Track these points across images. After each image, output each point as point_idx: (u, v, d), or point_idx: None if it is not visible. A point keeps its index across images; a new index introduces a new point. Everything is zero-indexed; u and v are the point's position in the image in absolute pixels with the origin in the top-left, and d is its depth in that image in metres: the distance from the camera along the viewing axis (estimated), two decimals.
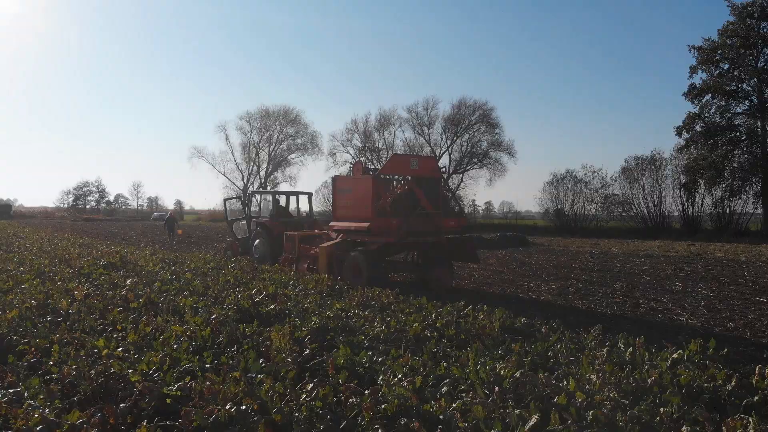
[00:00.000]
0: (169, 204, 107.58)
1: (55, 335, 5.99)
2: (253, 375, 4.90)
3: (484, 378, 4.79)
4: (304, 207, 19.42)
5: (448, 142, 62.64)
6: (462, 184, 63.71)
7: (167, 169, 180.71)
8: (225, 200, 19.76)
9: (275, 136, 74.06)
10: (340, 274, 11.90)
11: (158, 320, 6.90)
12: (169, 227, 31.80)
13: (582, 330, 7.18)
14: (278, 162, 73.87)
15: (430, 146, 62.96)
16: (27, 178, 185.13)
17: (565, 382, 4.90)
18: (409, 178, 12.56)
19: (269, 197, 19.09)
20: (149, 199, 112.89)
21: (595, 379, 5.01)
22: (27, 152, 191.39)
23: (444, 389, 4.58)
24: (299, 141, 74.11)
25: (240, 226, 19.13)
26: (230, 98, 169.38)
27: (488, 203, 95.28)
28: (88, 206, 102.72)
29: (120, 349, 5.55)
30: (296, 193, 19.42)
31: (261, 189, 65.77)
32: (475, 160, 62.19)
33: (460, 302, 8.39)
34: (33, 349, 5.73)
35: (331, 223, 13.51)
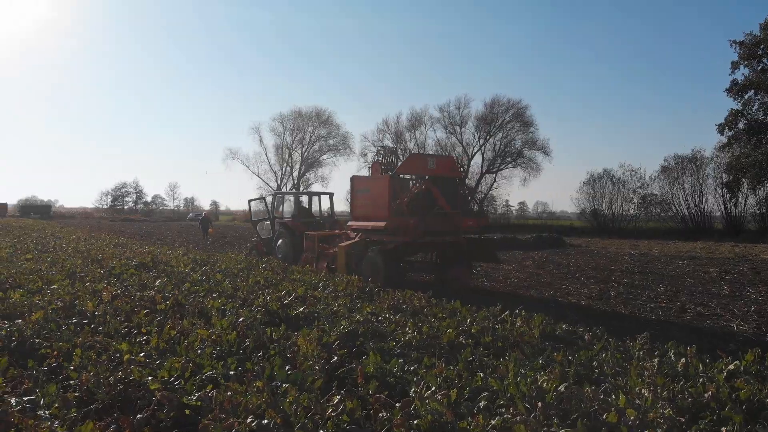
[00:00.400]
0: (205, 205, 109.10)
1: (78, 338, 5.84)
2: (278, 384, 4.64)
3: (525, 391, 4.43)
4: (326, 207, 19.59)
5: (481, 141, 61.87)
6: (495, 184, 62.84)
7: (203, 170, 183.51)
8: (249, 201, 20.05)
9: (308, 137, 74.46)
10: (359, 273, 11.85)
11: (184, 323, 6.71)
12: (203, 227, 32.08)
13: (628, 338, 6.73)
14: (311, 163, 74.18)
15: (462, 145, 62.33)
16: (68, 180, 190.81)
17: (613, 397, 4.51)
18: (427, 177, 12.48)
19: (291, 198, 19.34)
20: (186, 199, 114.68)
21: (646, 394, 4.61)
22: (67, 155, 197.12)
23: (482, 404, 4.23)
24: (331, 142, 74.36)
25: (264, 226, 19.32)
26: (264, 100, 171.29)
27: (522, 203, 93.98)
28: (125, 207, 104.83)
29: (142, 354, 5.35)
30: (318, 194, 19.56)
31: (295, 189, 66.05)
32: (509, 159, 61.25)
33: (496, 307, 8.01)
34: (56, 352, 5.58)
35: (349, 223, 13.58)
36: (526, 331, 6.73)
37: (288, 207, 19.26)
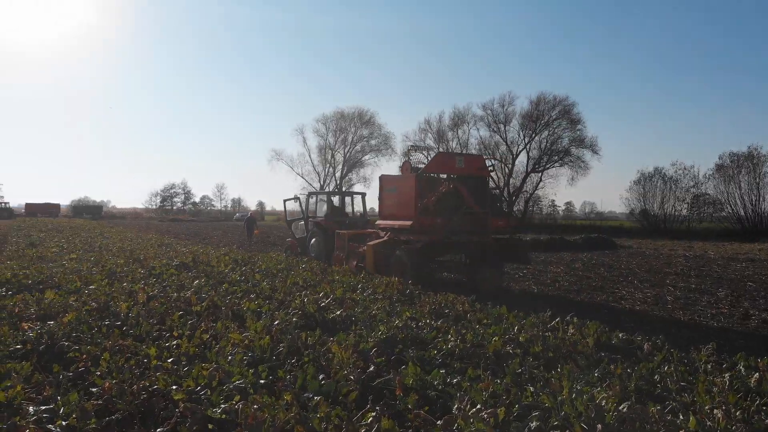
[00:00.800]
0: (252, 205, 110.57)
1: (107, 342, 5.65)
2: (310, 395, 4.31)
3: (582, 410, 3.97)
4: (359, 207, 19.71)
5: (526, 140, 60.53)
6: (541, 183, 61.36)
7: (249, 172, 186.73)
8: (284, 201, 20.20)
9: (350, 138, 74.41)
10: (387, 272, 11.87)
11: (218, 326, 6.48)
12: (248, 227, 32.27)
13: (692, 349, 6.15)
14: (353, 163, 74.19)
15: (507, 144, 61.18)
16: (120, 182, 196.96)
17: (681, 418, 4.02)
18: (455, 176, 12.29)
19: (324, 197, 19.32)
20: (233, 200, 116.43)
21: (718, 415, 4.09)
22: (120, 157, 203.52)
23: (533, 424, 3.80)
24: (373, 142, 74.10)
25: (298, 226, 19.51)
26: (309, 102, 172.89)
27: (569, 203, 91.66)
28: (174, 207, 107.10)
29: (170, 360, 5.11)
30: (351, 194, 19.69)
31: (338, 190, 66.16)
32: (556, 157, 59.68)
33: (545, 313, 7.50)
34: (84, 356, 5.40)
35: (377, 222, 13.65)
36: (579, 341, 6.23)
37: (321, 207, 19.34)
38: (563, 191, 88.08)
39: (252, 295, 8.68)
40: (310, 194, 19.45)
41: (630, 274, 16.53)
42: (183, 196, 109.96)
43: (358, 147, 74.57)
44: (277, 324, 6.60)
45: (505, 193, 60.47)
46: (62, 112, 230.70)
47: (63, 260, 13.38)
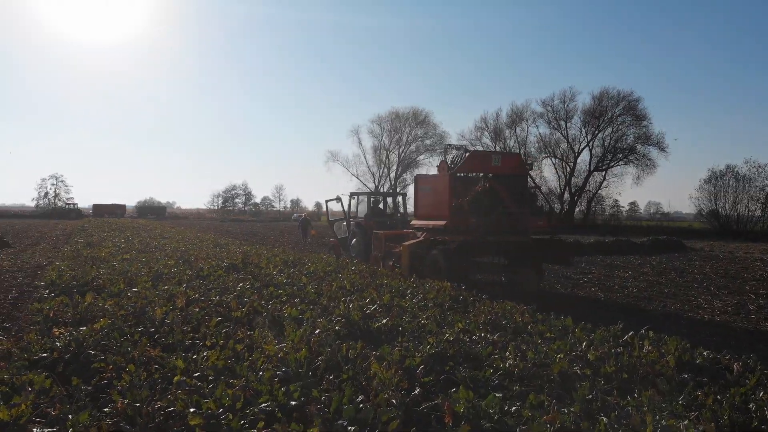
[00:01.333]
0: (309, 206, 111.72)
1: (135, 352, 5.26)
2: (344, 423, 3.75)
3: None
4: (399, 207, 19.89)
5: (589, 137, 58.35)
6: (605, 183, 58.94)
7: (307, 173, 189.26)
8: (326, 201, 20.42)
9: (404, 138, 73.83)
10: (422, 272, 11.77)
11: (255, 334, 6.02)
12: (303, 228, 32.24)
13: None
14: (407, 163, 73.58)
15: (568, 141, 59.13)
16: (185, 183, 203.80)
17: None
18: (490, 175, 12.11)
19: (365, 198, 19.30)
20: (291, 201, 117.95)
21: None
22: (185, 159, 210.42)
23: None
24: (428, 142, 73.20)
25: (341, 227, 19.64)
26: (365, 102, 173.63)
27: (633, 204, 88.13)
28: (235, 208, 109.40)
29: (196, 375, 4.66)
30: (392, 194, 19.96)
31: (390, 190, 65.73)
32: (620, 155, 57.23)
33: (616, 325, 6.68)
34: (110, 367, 5.03)
35: (412, 222, 13.65)
36: (657, 360, 5.42)
37: (362, 207, 19.33)
38: (628, 191, 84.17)
39: (296, 300, 8.21)
40: (351, 195, 19.48)
41: (705, 279, 15.28)
42: (243, 197, 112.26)
43: (412, 147, 73.90)
44: (318, 333, 6.08)
45: (566, 193, 58.66)
46: (125, 117, 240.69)
47: (114, 261, 13.34)
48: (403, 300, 8.20)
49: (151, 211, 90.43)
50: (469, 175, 12.47)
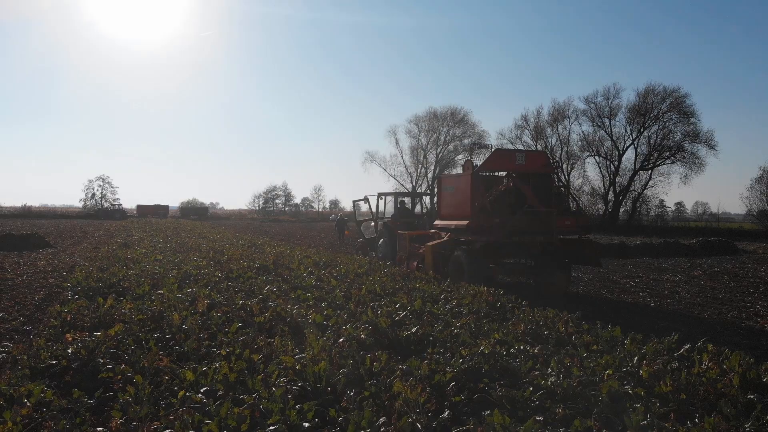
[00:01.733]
0: (347, 206, 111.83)
1: (144, 361, 4.92)
2: None
3: None
4: (429, 207, 20.20)
5: (634, 135, 56.30)
6: (651, 182, 56.85)
7: (345, 174, 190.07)
8: (353, 202, 20.29)
9: (442, 138, 72.67)
10: (445, 273, 11.62)
11: (276, 342, 5.63)
12: (339, 229, 32.02)
13: None
14: (445, 163, 72.56)
15: (612, 140, 57.21)
16: (228, 184, 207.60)
17: None
18: (514, 174, 11.92)
19: (392, 198, 19.14)
20: (330, 201, 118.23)
21: None
22: (229, 160, 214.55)
23: None
24: (466, 141, 71.81)
25: (368, 227, 19.50)
26: (403, 102, 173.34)
27: (679, 204, 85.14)
28: (275, 209, 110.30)
29: (204, 390, 4.27)
30: (420, 194, 19.79)
31: (419, 191, 65.02)
32: (667, 153, 55.05)
33: (670, 337, 6.03)
34: (118, 377, 4.70)
35: (435, 222, 13.42)
36: (719, 377, 4.80)
37: (390, 207, 19.23)
38: (675, 190, 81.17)
39: (323, 304, 7.81)
40: (379, 195, 19.21)
41: (761, 284, 14.26)
42: (283, 198, 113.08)
43: (450, 147, 72.61)
44: (342, 342, 5.65)
45: (611, 193, 56.89)
46: (171, 121, 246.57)
47: (146, 262, 13.22)
48: (435, 306, 7.70)
49: (193, 211, 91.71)
50: (493, 174, 12.29)
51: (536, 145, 59.65)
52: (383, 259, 15.83)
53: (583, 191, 58.56)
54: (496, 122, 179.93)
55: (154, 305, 7.25)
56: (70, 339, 5.89)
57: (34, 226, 39.34)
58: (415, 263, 13.59)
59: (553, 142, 59.78)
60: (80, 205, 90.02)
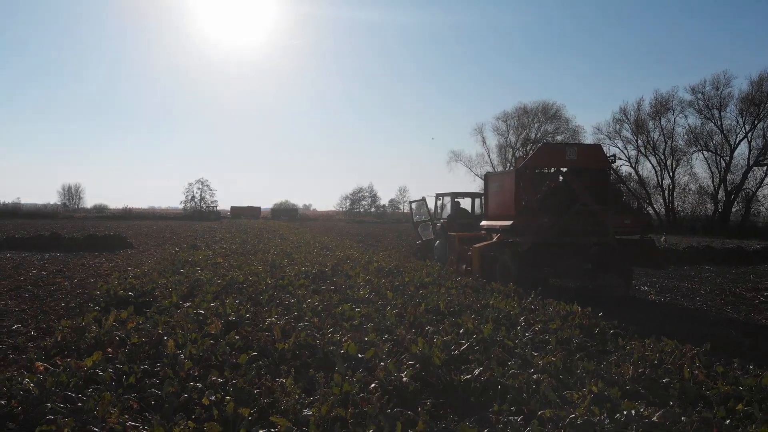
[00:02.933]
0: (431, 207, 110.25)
1: (98, 410, 3.60)
2: None
3: None
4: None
5: (747, 127, 50.68)
6: (767, 179, 51.04)
7: (431, 174, 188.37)
8: (410, 203, 19.90)
9: (533, 135, 68.82)
10: (493, 276, 11.17)
11: (287, 382, 4.17)
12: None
13: None
14: None
15: (723, 133, 51.79)
16: (322, 186, 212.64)
17: None
18: (565, 170, 11.29)
19: (449, 199, 17.99)
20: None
21: None
22: (321, 164, 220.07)
23: None
24: (559, 138, 67.88)
25: (426, 228, 18.64)
26: (490, 99, 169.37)
27: None
28: (362, 210, 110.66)
29: None
30: (478, 195, 18.45)
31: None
32: None
33: None
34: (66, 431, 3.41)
35: (482, 222, 12.86)
36: None
37: (446, 208, 18.07)
38: None
39: (369, 325, 6.27)
40: (437, 196, 18.32)
41: None
42: (369, 199, 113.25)
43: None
44: (373, 387, 4.12)
45: (721, 191, 51.67)
46: (265, 126, 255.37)
47: (200, 266, 12.26)
48: (512, 333, 5.93)
49: (283, 213, 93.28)
50: (543, 170, 11.60)
51: (637, 140, 55.17)
52: (438, 261, 14.98)
53: (689, 190, 53.70)
54: (593, 117, 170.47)
55: (163, 322, 6.01)
56: (41, 368, 4.74)
57: (129, 227, 40.74)
58: (465, 266, 12.89)
59: (656, 137, 55.10)
60: (181, 206, 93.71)
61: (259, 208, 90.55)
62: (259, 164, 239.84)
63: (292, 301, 7.70)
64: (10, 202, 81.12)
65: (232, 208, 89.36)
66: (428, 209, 18.38)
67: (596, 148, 12.35)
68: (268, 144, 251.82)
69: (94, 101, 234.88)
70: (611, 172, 11.77)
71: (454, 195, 18.03)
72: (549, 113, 67.66)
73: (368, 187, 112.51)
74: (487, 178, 12.99)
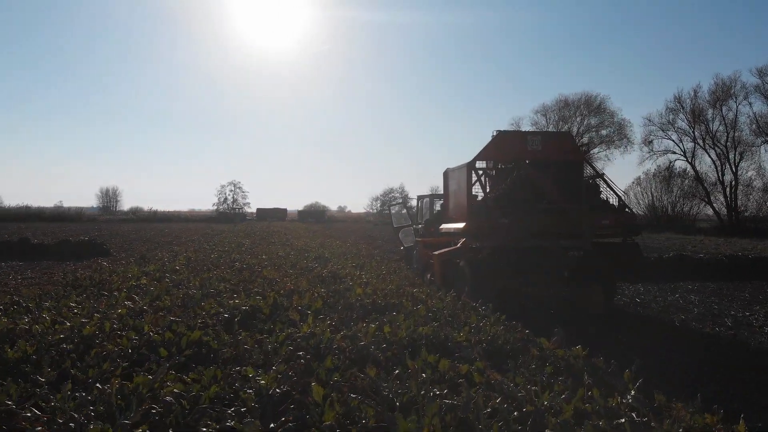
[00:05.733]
0: None
1: None
2: None
3: None
4: None
5: None
6: None
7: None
8: (389, 206, 17.43)
9: (575, 129, 63.35)
10: (455, 286, 9.81)
11: None
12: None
13: None
14: None
15: None
16: (355, 187, 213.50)
17: None
18: (528, 162, 10.02)
19: (428, 200, 16.27)
20: None
21: None
22: (354, 165, 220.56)
23: None
24: (604, 132, 62.28)
25: (407, 234, 16.78)
26: (529, 92, 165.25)
27: None
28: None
29: None
30: None
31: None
32: None
33: None
34: None
35: (441, 226, 11.81)
36: None
37: (425, 211, 16.23)
38: None
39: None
40: (419, 198, 17.07)
41: None
42: (400, 200, 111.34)
43: (584, 139, 62.56)
44: None
45: None
46: (295, 129, 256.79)
47: (191, 276, 10.28)
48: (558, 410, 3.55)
49: (310, 214, 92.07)
50: (504, 165, 10.28)
51: (693, 132, 50.36)
52: (417, 272, 13.41)
53: (753, 186, 48.45)
54: (642, 108, 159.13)
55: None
56: None
57: (135, 231, 39.51)
58: (429, 275, 11.77)
59: (716, 127, 49.69)
60: (213, 208, 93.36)
61: (285, 210, 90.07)
62: (295, 166, 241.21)
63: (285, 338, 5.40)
64: (51, 205, 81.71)
65: (258, 209, 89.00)
66: (409, 212, 17.23)
67: (565, 136, 11.45)
68: (303, 146, 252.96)
69: (132, 105, 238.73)
70: (585, 164, 10.57)
71: (434, 196, 16.23)
72: (592, 106, 62.55)
73: (399, 188, 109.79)
74: (446, 175, 11.38)
